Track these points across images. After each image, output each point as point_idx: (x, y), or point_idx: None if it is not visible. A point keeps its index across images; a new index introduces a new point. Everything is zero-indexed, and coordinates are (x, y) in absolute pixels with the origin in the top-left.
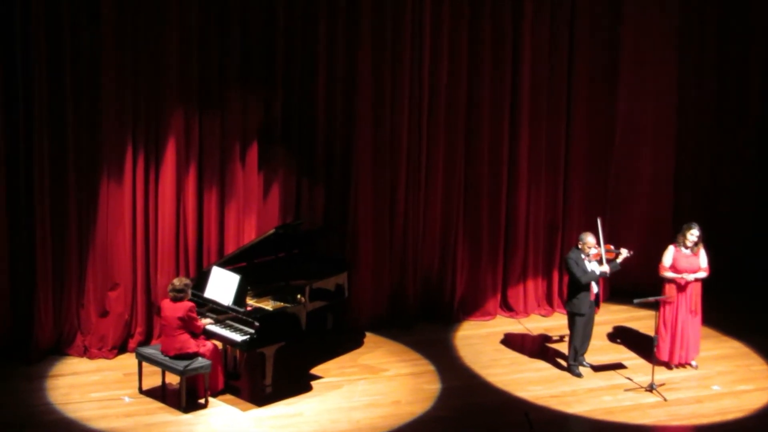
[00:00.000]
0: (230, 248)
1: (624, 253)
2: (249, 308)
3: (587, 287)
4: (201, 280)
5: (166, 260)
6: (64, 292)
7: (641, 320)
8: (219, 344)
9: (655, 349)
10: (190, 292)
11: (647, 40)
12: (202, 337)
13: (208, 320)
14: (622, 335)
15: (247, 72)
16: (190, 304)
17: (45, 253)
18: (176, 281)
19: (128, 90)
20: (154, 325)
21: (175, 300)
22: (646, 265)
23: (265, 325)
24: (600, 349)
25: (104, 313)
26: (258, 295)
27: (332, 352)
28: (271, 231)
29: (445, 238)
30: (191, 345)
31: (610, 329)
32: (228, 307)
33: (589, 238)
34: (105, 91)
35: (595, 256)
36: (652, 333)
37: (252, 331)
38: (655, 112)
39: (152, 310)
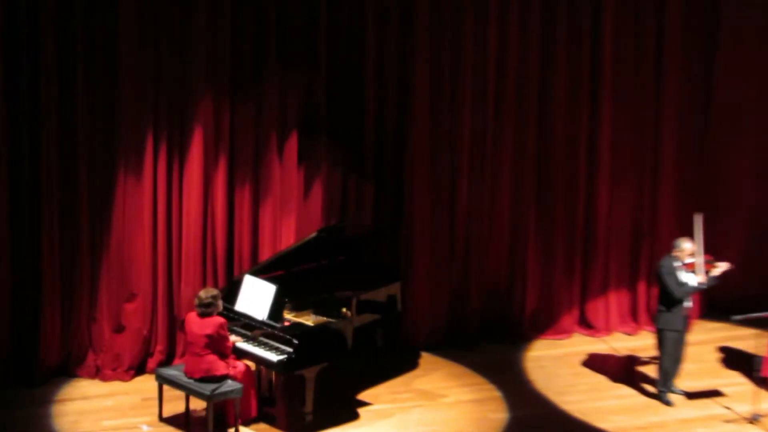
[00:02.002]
0: (265, 254)
1: (722, 266)
2: (286, 323)
3: (681, 301)
4: (231, 290)
5: (191, 268)
6: (74, 304)
7: (742, 340)
8: (252, 365)
9: (758, 373)
10: (220, 304)
11: (750, 17)
12: (233, 356)
13: (239, 337)
14: (719, 357)
15: (286, 53)
16: (221, 320)
17: (52, 259)
18: (203, 293)
19: (149, 74)
20: (177, 342)
21: (202, 315)
22: (749, 276)
23: (305, 343)
24: (694, 373)
25: (119, 329)
26: (297, 309)
27: (383, 375)
28: (313, 234)
29: (514, 245)
30: (220, 366)
31: (705, 350)
32: (262, 322)
33: (686, 245)
34: (122, 74)
35: (688, 266)
36: (755, 354)
37: (290, 349)
38: (758, 98)
39: (175, 325)
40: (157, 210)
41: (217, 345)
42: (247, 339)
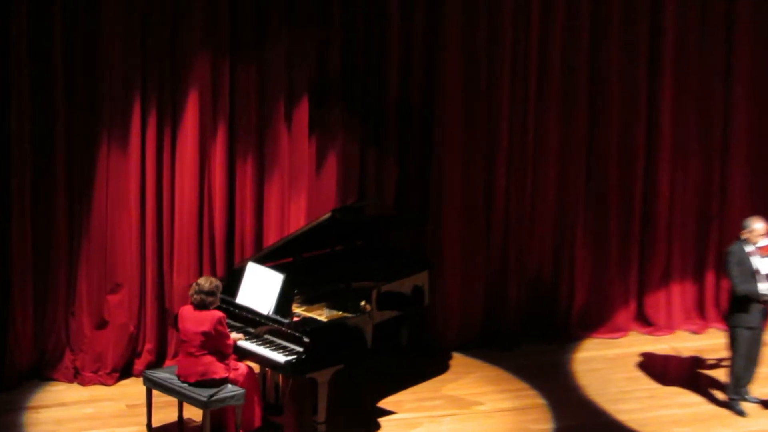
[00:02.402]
0: (271, 238)
1: None
2: (296, 319)
3: (755, 294)
4: (232, 280)
5: (185, 254)
6: (49, 295)
7: None
8: (255, 367)
9: None
10: (219, 297)
11: None
12: (233, 357)
13: (241, 335)
14: None
15: (295, 9)
16: (219, 314)
17: (23, 245)
18: (203, 281)
19: (136, 32)
20: (169, 340)
21: (199, 308)
22: None
23: (318, 342)
24: None
25: (102, 324)
26: (308, 302)
27: (408, 379)
28: (326, 216)
29: (561, 231)
30: (219, 368)
31: None
32: (268, 318)
33: (758, 224)
34: (105, 31)
35: (763, 250)
36: None
37: (300, 349)
38: None
39: (166, 320)
40: (146, 188)
41: (216, 343)
42: (250, 337)
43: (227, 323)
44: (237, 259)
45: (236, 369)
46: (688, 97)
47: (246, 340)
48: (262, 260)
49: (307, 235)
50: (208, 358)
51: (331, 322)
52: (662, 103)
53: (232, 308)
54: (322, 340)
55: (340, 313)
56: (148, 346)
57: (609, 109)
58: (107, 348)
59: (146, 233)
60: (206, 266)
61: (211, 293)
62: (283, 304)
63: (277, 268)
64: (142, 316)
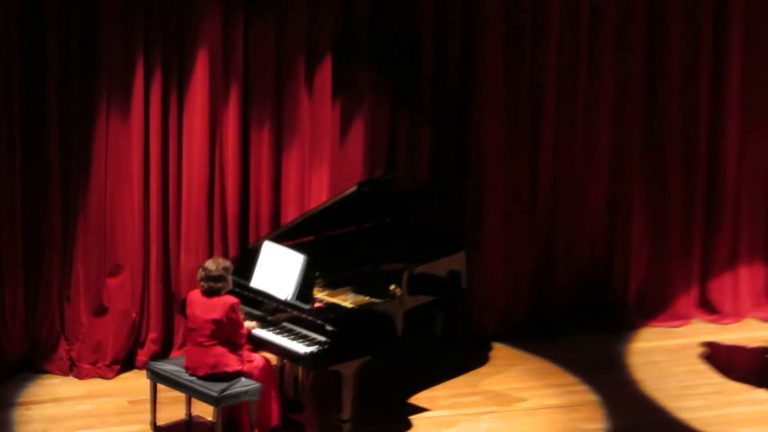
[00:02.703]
0: (290, 215)
1: None
2: (318, 305)
3: None
4: (246, 262)
5: (193, 232)
6: (41, 278)
7: None
8: (273, 359)
9: None
10: (231, 280)
11: None
12: (248, 347)
13: (256, 323)
14: None
15: None
16: (233, 299)
17: (12, 221)
18: (211, 263)
19: None
20: (176, 328)
21: (209, 293)
22: None
23: (343, 331)
24: None
25: (100, 311)
26: (332, 286)
27: (443, 373)
28: (352, 189)
29: (614, 207)
30: (231, 360)
31: None
32: (287, 303)
33: None
34: None
35: None
36: None
37: (323, 338)
38: None
39: (173, 306)
40: (149, 159)
41: (228, 332)
42: (267, 325)
43: (241, 310)
44: (251, 237)
45: (251, 361)
46: (760, 54)
47: (262, 328)
48: (279, 239)
49: (330, 210)
50: (220, 349)
51: (358, 309)
52: (730, 64)
53: (246, 293)
54: (348, 329)
55: (367, 298)
56: (153, 335)
57: (667, 74)
58: (106, 337)
59: (150, 209)
60: (217, 245)
61: (219, 278)
62: (304, 288)
63: (297, 247)
64: (146, 302)
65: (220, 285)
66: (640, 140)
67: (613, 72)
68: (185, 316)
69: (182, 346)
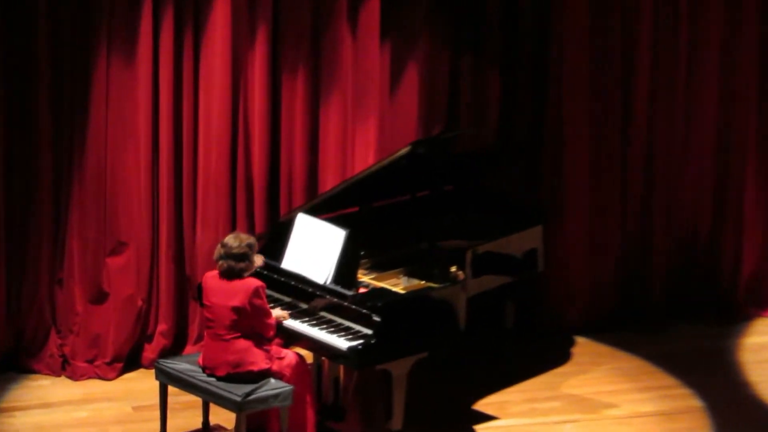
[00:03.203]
0: (329, 182)
1: None
2: (363, 290)
3: None
4: (275, 238)
5: (212, 202)
6: (28, 258)
7: None
8: (308, 355)
9: None
10: (258, 260)
11: None
12: (277, 341)
13: (286, 312)
14: None
15: None
16: (257, 283)
17: None
18: (231, 240)
19: None
20: (191, 318)
21: (229, 275)
22: None
23: (393, 321)
24: None
25: (100, 297)
26: (379, 267)
27: (515, 373)
28: (405, 150)
29: (723, 175)
30: (257, 357)
31: None
32: (324, 289)
33: None
34: None
35: None
36: None
37: (368, 331)
38: None
39: (187, 291)
40: (159, 112)
41: (252, 323)
42: (301, 314)
43: (268, 296)
44: (283, 209)
45: (281, 358)
46: None
47: (295, 319)
48: (316, 211)
49: (378, 176)
50: (243, 343)
51: (411, 295)
52: None
53: (275, 275)
54: (399, 319)
55: (423, 282)
56: (162, 326)
57: None
58: (107, 329)
59: (160, 174)
60: (241, 219)
61: (242, 257)
62: (346, 270)
63: (338, 221)
64: (154, 286)
65: (242, 265)
66: (754, 95)
67: (722, 8)
68: (201, 303)
69: (198, 340)
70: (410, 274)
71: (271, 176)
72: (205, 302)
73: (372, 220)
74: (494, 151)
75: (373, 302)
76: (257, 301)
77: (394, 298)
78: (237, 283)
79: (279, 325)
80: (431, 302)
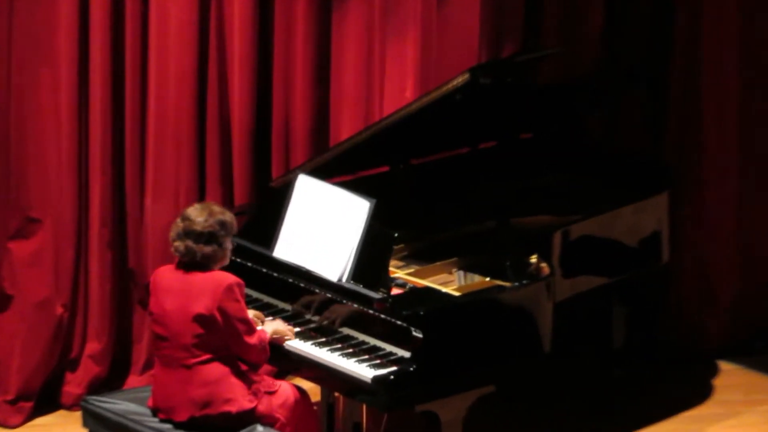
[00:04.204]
0: (344, 129)
1: None
2: (397, 291)
3: None
4: (263, 213)
5: (169, 160)
6: None
7: None
8: (313, 390)
9: None
10: (230, 243)
11: None
12: (267, 368)
13: (283, 325)
14: None
15: None
16: (232, 278)
17: None
18: (195, 212)
19: None
20: (135, 335)
21: (188, 265)
22: None
23: (441, 339)
24: None
25: (0, 302)
26: (421, 257)
27: (630, 415)
28: (460, 79)
29: None
30: (237, 391)
31: None
32: (339, 288)
33: None
34: None
35: None
36: None
37: (405, 353)
38: None
39: (129, 293)
40: (90, 25)
41: (227, 341)
42: (303, 329)
43: (250, 298)
44: (276, 170)
45: (272, 393)
46: None
47: (296, 337)
48: (326, 172)
49: (419, 119)
50: (214, 371)
51: (469, 299)
52: None
53: (262, 269)
54: (451, 336)
55: (487, 280)
56: (93, 346)
57: None
58: (9, 351)
59: (90, 118)
60: (212, 184)
61: (210, 237)
62: (372, 260)
63: (359, 187)
64: (81, 286)
65: (209, 250)
66: None
67: None
68: (151, 311)
69: (148, 368)
70: (468, 268)
71: (259, 121)
72: (154, 309)
73: (410, 185)
74: (595, 83)
75: (412, 310)
76: (231, 306)
77: (443, 304)
78: (200, 278)
79: (271, 344)
80: (500, 310)
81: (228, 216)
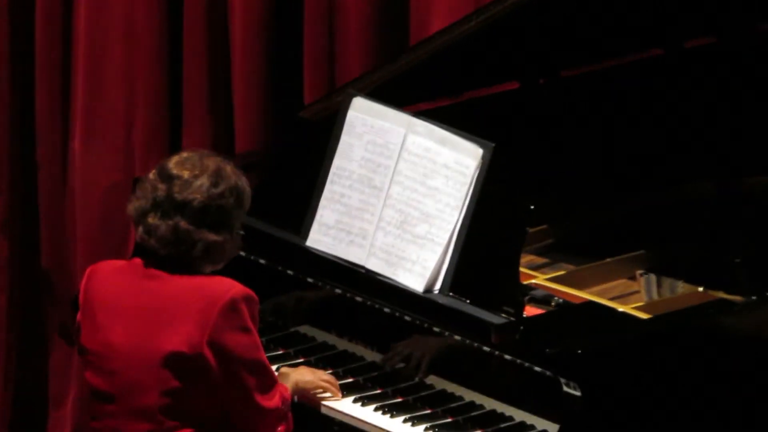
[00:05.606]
0: (438, 17)
1: None
2: (533, 310)
3: None
4: (290, 163)
5: (110, 66)
6: None
7: None
8: None
9: None
10: (240, 220)
11: None
12: None
13: (326, 377)
14: None
15: None
16: (237, 291)
17: None
18: (187, 169)
19: None
20: (52, 386)
21: (156, 263)
22: None
23: (611, 399)
24: None
25: None
26: (578, 250)
27: None
28: None
29: None
30: None
31: None
32: (430, 306)
33: None
34: None
35: None
36: None
37: (548, 427)
38: None
39: (43, 308)
40: None
41: (224, 401)
42: (356, 379)
43: (267, 323)
44: (308, 92)
45: None
46: None
47: (349, 394)
48: (398, 92)
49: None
50: None
51: (673, 328)
52: None
53: (288, 270)
54: (636, 395)
55: (700, 289)
56: None
57: None
58: None
59: None
60: (191, 113)
61: (221, 216)
62: (489, 255)
63: (464, 119)
64: None
65: (217, 241)
66: None
67: None
68: (78, 343)
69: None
70: (663, 269)
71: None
72: (88, 343)
73: (556, 120)
74: None
75: (561, 346)
76: (234, 340)
77: (622, 338)
78: (179, 288)
79: (301, 407)
80: (728, 345)
81: (243, 181)
